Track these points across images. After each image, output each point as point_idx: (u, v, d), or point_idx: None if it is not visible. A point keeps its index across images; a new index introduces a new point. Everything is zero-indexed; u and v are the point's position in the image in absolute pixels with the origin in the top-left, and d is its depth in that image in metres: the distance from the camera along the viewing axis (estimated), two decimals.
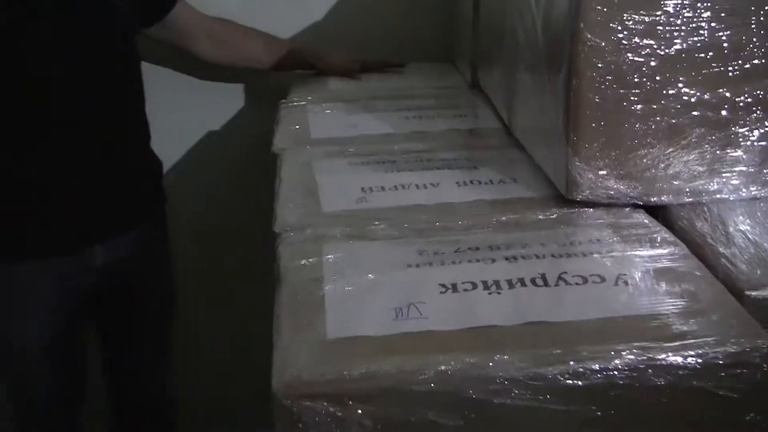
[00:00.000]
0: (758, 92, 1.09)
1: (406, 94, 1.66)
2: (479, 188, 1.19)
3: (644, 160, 1.12)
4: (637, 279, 0.93)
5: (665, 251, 0.99)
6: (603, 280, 0.93)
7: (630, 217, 1.10)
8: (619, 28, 1.06)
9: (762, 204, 1.12)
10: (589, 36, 1.06)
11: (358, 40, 1.92)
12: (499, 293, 0.90)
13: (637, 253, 0.99)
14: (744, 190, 1.14)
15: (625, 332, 0.84)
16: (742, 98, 1.10)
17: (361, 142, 1.39)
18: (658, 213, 1.14)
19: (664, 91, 1.09)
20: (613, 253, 0.99)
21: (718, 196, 1.14)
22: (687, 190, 1.13)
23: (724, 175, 1.13)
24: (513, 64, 1.34)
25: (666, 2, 1.05)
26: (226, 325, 2.08)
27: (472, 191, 1.18)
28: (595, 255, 0.98)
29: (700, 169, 1.12)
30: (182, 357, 1.77)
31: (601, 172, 1.12)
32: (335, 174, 1.24)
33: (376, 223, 1.09)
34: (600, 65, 1.07)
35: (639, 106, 1.10)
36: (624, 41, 1.06)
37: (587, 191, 1.12)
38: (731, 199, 1.13)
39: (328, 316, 0.86)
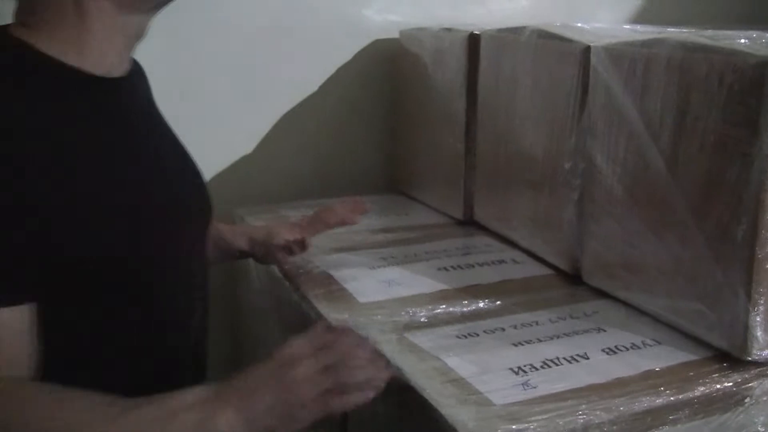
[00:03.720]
0: None
1: (404, 238, 1.47)
2: (633, 356, 1.03)
3: None
4: None
5: None
6: None
7: None
8: None
9: None
10: None
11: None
12: None
13: None
14: None
15: None
16: None
17: (422, 303, 1.19)
18: None
19: None
20: None
21: None
22: None
23: None
24: (593, 204, 1.21)
25: None
26: None
27: (630, 361, 1.02)
28: None
29: None
30: None
31: None
32: (459, 355, 1.03)
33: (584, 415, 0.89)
34: None
35: None
36: None
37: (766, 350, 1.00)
38: None
39: None
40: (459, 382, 0.96)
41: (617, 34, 1.27)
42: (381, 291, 1.24)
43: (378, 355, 0.91)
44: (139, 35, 1.00)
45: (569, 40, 1.25)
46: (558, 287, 1.27)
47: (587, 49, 1.21)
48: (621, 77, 1.14)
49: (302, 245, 1.31)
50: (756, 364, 1.00)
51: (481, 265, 1.34)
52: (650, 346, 1.06)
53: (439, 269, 1.32)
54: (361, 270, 1.31)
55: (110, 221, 0.90)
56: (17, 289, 0.83)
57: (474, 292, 1.24)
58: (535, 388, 0.95)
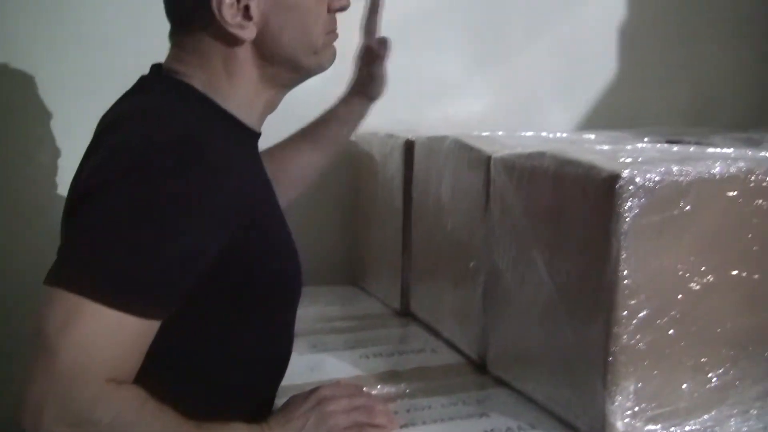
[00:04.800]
0: None
1: (340, 327, 1.60)
2: None
3: (675, 397, 1.12)
4: None
5: None
6: None
7: None
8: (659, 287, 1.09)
9: None
10: (630, 285, 1.06)
11: None
12: None
13: None
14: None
15: None
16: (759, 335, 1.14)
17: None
18: None
19: (699, 331, 1.11)
20: None
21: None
22: (710, 421, 1.14)
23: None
24: (493, 300, 1.33)
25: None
26: None
27: None
28: None
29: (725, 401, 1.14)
30: None
31: (636, 415, 1.10)
32: None
33: None
34: (638, 311, 1.08)
35: (675, 347, 1.10)
36: (662, 293, 1.09)
37: None
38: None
39: None
40: None
41: (525, 144, 1.39)
42: (303, 375, 1.35)
43: (390, 410, 1.15)
44: (273, 107, 1.19)
45: (477, 150, 1.39)
46: (464, 375, 1.38)
47: (489, 159, 1.34)
48: (512, 185, 1.27)
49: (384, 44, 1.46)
50: None
51: (401, 353, 1.46)
52: (524, 429, 1.17)
53: (361, 357, 1.44)
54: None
55: (273, 246, 1.12)
56: (168, 306, 0.96)
57: (386, 377, 1.35)
58: None
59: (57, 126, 1.69)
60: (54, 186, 1.69)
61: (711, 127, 1.93)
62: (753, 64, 2.34)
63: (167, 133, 0.99)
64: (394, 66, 1.96)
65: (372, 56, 1.47)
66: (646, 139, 1.58)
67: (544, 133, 1.66)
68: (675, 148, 1.34)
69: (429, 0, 1.98)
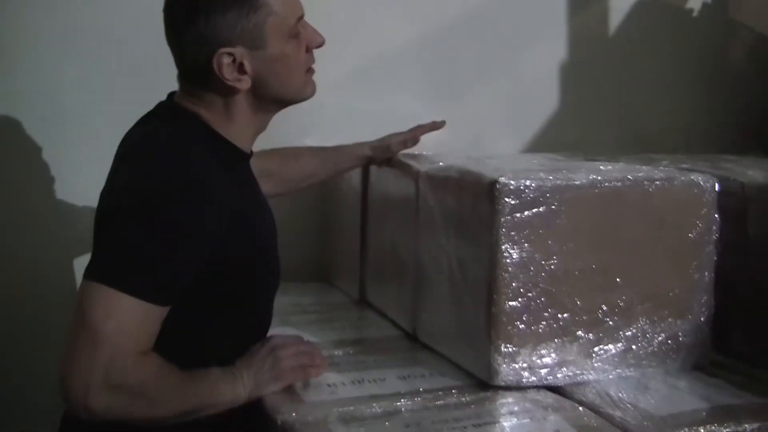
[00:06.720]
0: (619, 303, 1.51)
1: (307, 310, 1.97)
2: (417, 381, 1.50)
3: (547, 353, 1.47)
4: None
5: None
6: None
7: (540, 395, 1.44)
8: (529, 267, 1.45)
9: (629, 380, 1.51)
10: (507, 263, 1.43)
11: None
12: None
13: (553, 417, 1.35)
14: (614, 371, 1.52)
15: None
16: (610, 307, 1.50)
17: None
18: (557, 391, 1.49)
19: (563, 302, 1.47)
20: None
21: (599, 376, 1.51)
22: (577, 372, 1.49)
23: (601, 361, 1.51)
24: (421, 285, 1.70)
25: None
26: None
27: (413, 383, 1.49)
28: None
29: (588, 358, 1.49)
30: None
31: (515, 365, 1.46)
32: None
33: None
34: (513, 282, 1.44)
35: (543, 314, 1.47)
36: (532, 272, 1.45)
37: (506, 379, 1.46)
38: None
39: None
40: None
41: (450, 162, 1.76)
42: None
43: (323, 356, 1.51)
44: (263, 129, 1.50)
45: (411, 166, 1.76)
46: (399, 342, 1.74)
47: (418, 173, 1.72)
48: (432, 193, 1.64)
49: (415, 140, 1.89)
50: (499, 387, 1.46)
51: (352, 328, 1.83)
52: (434, 375, 1.53)
53: (320, 329, 1.80)
54: None
55: (255, 243, 1.43)
56: (175, 295, 1.27)
57: (336, 343, 1.70)
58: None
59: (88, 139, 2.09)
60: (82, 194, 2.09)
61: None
62: (688, 101, 2.71)
63: (170, 168, 1.29)
64: (362, 104, 2.35)
65: (406, 145, 1.90)
66: (561, 158, 1.95)
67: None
68: (561, 162, 1.71)
69: (390, 48, 2.37)
